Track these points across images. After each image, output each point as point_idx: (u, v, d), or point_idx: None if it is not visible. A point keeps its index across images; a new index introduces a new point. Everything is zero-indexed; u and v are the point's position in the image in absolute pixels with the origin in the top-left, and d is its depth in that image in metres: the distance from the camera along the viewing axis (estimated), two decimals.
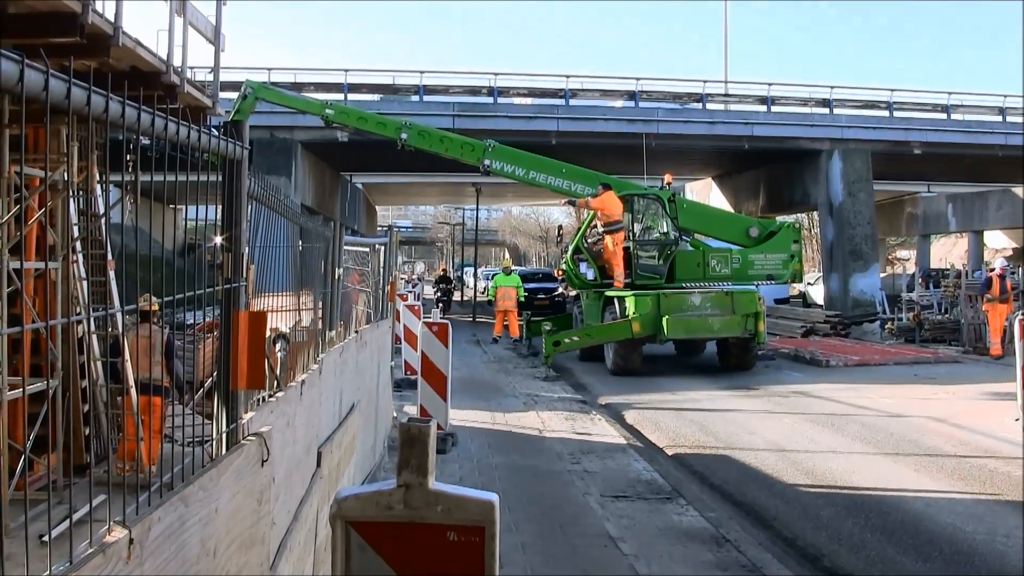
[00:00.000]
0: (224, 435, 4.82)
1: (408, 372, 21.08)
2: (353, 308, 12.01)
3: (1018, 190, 66.97)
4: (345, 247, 10.88)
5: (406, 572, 3.25)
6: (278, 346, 7.34)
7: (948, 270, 57.55)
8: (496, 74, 45.27)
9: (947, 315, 36.67)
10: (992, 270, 32.90)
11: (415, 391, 15.59)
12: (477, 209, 65.63)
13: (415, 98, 44.04)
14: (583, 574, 9.06)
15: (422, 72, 44.48)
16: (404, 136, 28.71)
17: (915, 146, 48.74)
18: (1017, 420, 17.00)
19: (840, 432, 17.55)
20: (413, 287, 47.04)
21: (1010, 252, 77.47)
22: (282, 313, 7.32)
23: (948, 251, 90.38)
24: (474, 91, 45.74)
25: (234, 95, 28.41)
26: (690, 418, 19.30)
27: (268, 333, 5.64)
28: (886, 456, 15.32)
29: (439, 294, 46.22)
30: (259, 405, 5.51)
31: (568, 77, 46.05)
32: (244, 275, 4.99)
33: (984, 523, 11.24)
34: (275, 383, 6.44)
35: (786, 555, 10.24)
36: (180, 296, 4.27)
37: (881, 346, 34.33)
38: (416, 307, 23.49)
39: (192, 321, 6.39)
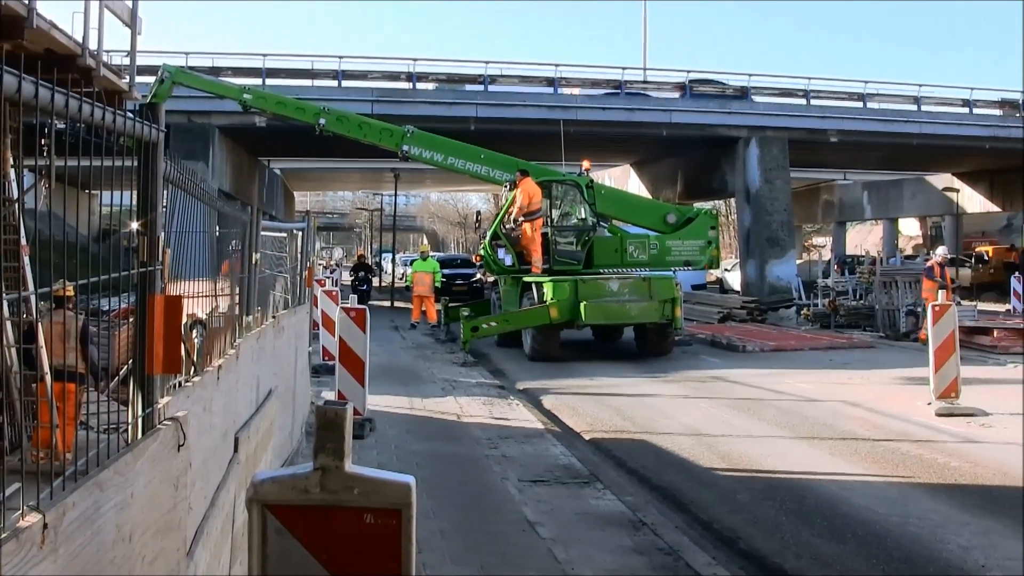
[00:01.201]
0: (140, 420, 4.78)
1: (326, 358, 21.02)
2: (270, 293, 11.95)
3: (931, 179, 67.81)
4: (263, 232, 10.81)
5: (323, 556, 3.25)
6: (195, 332, 7.30)
7: (863, 257, 58.25)
8: (415, 60, 45.20)
9: (862, 301, 37.06)
10: (928, 258, 33.34)
11: (333, 377, 15.56)
12: (395, 195, 65.48)
13: (334, 83, 43.82)
14: (502, 559, 9.07)
15: (341, 57, 44.29)
16: (322, 121, 28.62)
17: (831, 134, 49.21)
18: (929, 404, 17.32)
19: (756, 417, 17.71)
20: (331, 273, 46.89)
21: (919, 240, 78.47)
22: (199, 299, 7.27)
23: (864, 238, 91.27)
24: (393, 77, 45.61)
25: (151, 79, 28.13)
26: (608, 403, 19.39)
27: (185, 319, 5.60)
28: (802, 440, 15.48)
29: (357, 283, 44.78)
30: (175, 390, 5.48)
31: (487, 63, 46.03)
32: (160, 259, 4.95)
33: (897, 505, 11.38)
34: (192, 369, 6.40)
35: (703, 538, 10.30)
36: (95, 280, 4.24)
37: (797, 332, 34.66)
38: (334, 293, 23.43)
39: (108, 307, 6.33)
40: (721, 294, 52.84)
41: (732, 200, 58.22)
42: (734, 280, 55.89)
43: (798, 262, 56.71)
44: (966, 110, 53.16)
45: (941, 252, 32.14)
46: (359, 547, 3.20)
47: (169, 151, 5.18)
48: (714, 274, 57.46)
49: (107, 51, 10.93)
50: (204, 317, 7.56)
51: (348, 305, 16.01)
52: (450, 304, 33.69)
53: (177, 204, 5.99)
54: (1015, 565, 9.22)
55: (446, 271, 44.87)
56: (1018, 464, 13.44)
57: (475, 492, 11.64)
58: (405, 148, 29.00)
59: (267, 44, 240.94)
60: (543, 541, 9.57)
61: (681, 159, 53.50)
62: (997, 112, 54.82)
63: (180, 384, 5.69)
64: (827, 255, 75.60)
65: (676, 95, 48.58)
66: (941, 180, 65.49)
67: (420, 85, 45.02)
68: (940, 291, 20.30)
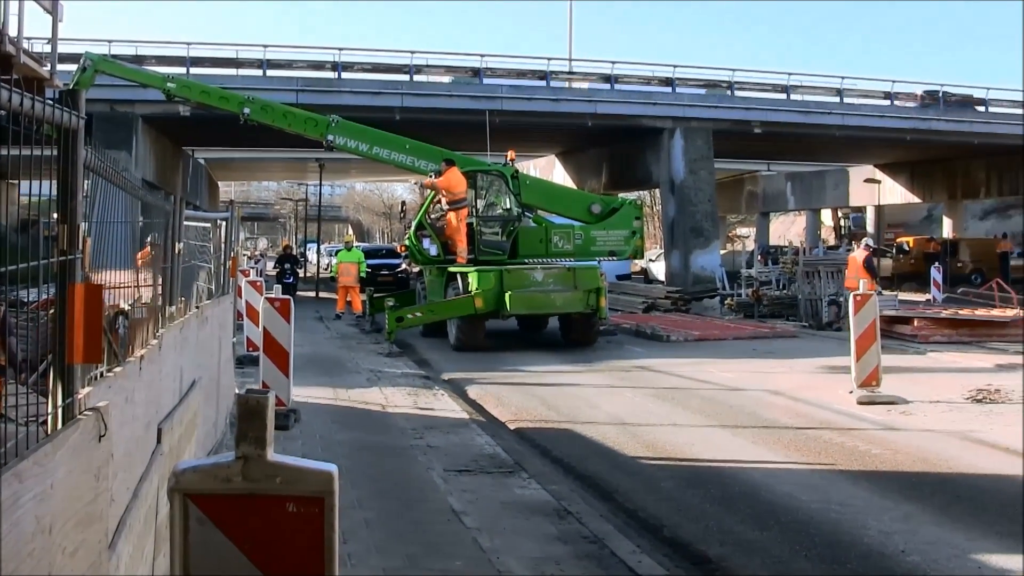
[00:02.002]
0: (60, 410, 4.74)
1: (250, 348, 20.91)
2: (194, 284, 11.86)
3: (854, 170, 68.47)
4: (186, 222, 10.73)
5: (246, 545, 3.24)
6: (118, 322, 7.23)
7: (787, 247, 58.78)
8: (340, 49, 45.01)
9: (785, 291, 37.36)
10: (850, 249, 33.63)
11: (258, 368, 15.48)
12: (320, 185, 65.16)
13: (258, 72, 43.56)
14: (427, 548, 9.07)
15: (266, 47, 44.07)
16: (247, 111, 28.45)
17: (755, 125, 49.59)
18: (851, 392, 17.50)
19: (681, 406, 17.81)
20: (256, 263, 46.64)
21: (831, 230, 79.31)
22: (122, 290, 7.20)
23: (787, 229, 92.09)
24: (318, 66, 45.44)
25: (73, 67, 27.86)
26: (533, 393, 19.43)
27: (107, 310, 5.55)
28: (725, 428, 15.58)
29: (282, 275, 43.57)
30: (97, 381, 5.43)
31: (413, 53, 46.07)
32: (80, 248, 4.90)
33: (819, 492, 11.49)
34: (114, 359, 6.35)
35: (628, 527, 10.35)
36: (13, 268, 4.19)
37: (721, 321, 34.89)
38: (258, 283, 23.32)
39: (28, 299, 6.27)
40: (646, 284, 53.05)
41: (657, 191, 58.37)
42: (659, 270, 56.18)
43: (722, 252, 57.17)
44: (887, 102, 53.74)
45: (868, 242, 32.44)
46: (282, 536, 3.20)
47: (91, 140, 5.13)
48: (639, 264, 57.70)
49: (28, 38, 10.82)
50: (127, 307, 7.50)
51: (272, 295, 15.92)
52: (375, 294, 33.57)
53: (99, 193, 5.93)
54: (934, 549, 9.35)
55: (371, 261, 44.80)
56: (936, 450, 13.64)
57: (400, 482, 11.63)
58: (330, 138, 28.90)
59: (191, 33, 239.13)
60: (468, 530, 9.58)
61: (606, 149, 53.69)
62: (918, 104, 55.47)
63: (102, 374, 5.64)
64: (751, 245, 76.38)
65: (602, 86, 48.70)
66: (863, 171, 66.18)
67: (345, 75, 44.85)
68: (861, 281, 20.48)
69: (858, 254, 30.33)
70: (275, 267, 43.80)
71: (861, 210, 79.63)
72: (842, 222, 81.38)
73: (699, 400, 18.35)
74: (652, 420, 16.43)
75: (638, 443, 14.49)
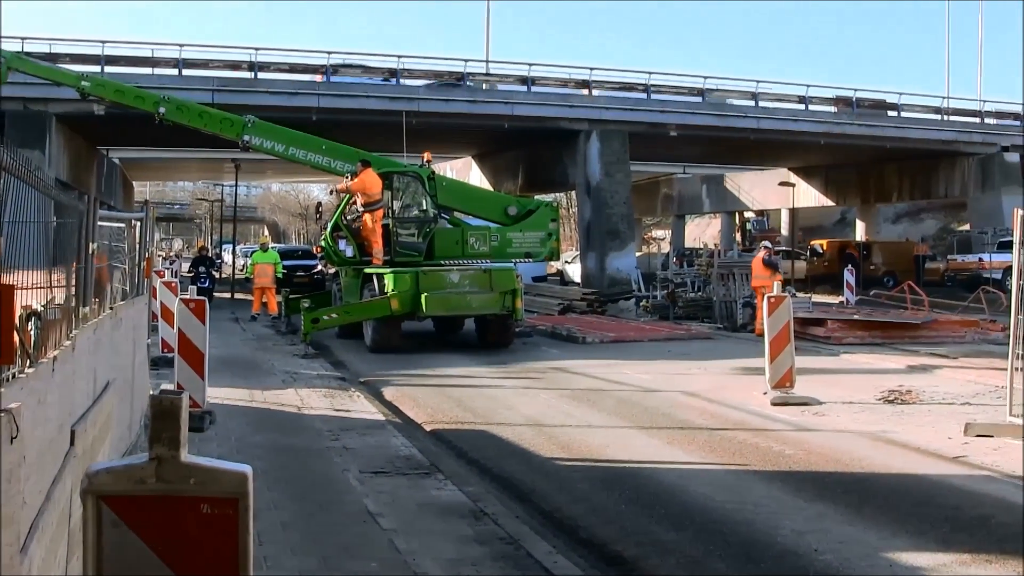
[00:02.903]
0: None
1: (165, 350, 20.74)
2: (108, 284, 11.75)
3: (769, 173, 69.11)
4: (100, 223, 10.64)
5: (160, 547, 3.23)
6: (30, 324, 7.16)
7: (702, 250, 59.23)
8: (257, 49, 44.75)
9: (700, 293, 37.63)
10: (753, 250, 33.91)
11: (173, 369, 15.37)
12: (236, 185, 64.72)
13: (174, 72, 43.19)
14: (343, 550, 9.06)
15: (182, 46, 43.63)
16: (162, 110, 28.24)
17: (671, 128, 49.89)
18: (765, 394, 17.67)
19: (596, 407, 17.88)
20: (171, 264, 46.23)
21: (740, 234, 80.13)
22: (35, 290, 7.13)
23: (702, 231, 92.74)
24: (234, 66, 45.09)
25: None
26: (449, 394, 19.44)
27: (20, 310, 5.50)
28: (641, 430, 15.66)
29: (197, 278, 41.88)
30: (8, 382, 5.38)
31: (330, 54, 45.88)
32: None
33: (734, 492, 11.59)
34: (26, 360, 6.29)
35: (544, 527, 10.38)
36: None
37: (636, 323, 35.05)
38: (173, 284, 23.14)
39: None
40: (562, 286, 53.14)
41: (573, 193, 58.62)
42: (575, 272, 56.31)
43: (638, 254, 57.54)
44: (802, 106, 54.28)
45: (766, 243, 32.73)
46: (196, 537, 3.19)
47: (4, 138, 5.08)
48: (555, 266, 57.88)
49: None
50: (40, 308, 7.43)
51: (187, 296, 15.81)
52: (291, 296, 33.39)
53: (11, 193, 5.87)
54: (847, 548, 9.45)
55: (287, 262, 44.59)
56: (849, 450, 13.81)
57: (316, 484, 11.60)
58: (246, 138, 28.75)
59: (107, 31, 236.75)
60: (384, 532, 9.58)
61: (523, 151, 53.77)
62: (832, 109, 56.11)
63: (14, 376, 5.59)
64: (666, 248, 76.85)
65: (519, 88, 48.78)
66: (778, 175, 66.76)
67: (262, 75, 44.62)
68: (776, 283, 20.67)
69: (760, 255, 30.57)
70: (190, 270, 43.09)
71: (763, 214, 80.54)
72: (747, 225, 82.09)
73: (614, 401, 18.44)
74: (568, 421, 16.48)
75: (554, 444, 14.53)
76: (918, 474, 12.54)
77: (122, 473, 3.21)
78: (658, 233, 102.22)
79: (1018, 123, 60.38)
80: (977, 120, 59.54)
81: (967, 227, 62.95)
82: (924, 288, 37.63)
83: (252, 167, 65.28)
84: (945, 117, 58.84)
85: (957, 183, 58.90)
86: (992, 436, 14.39)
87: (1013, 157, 56.50)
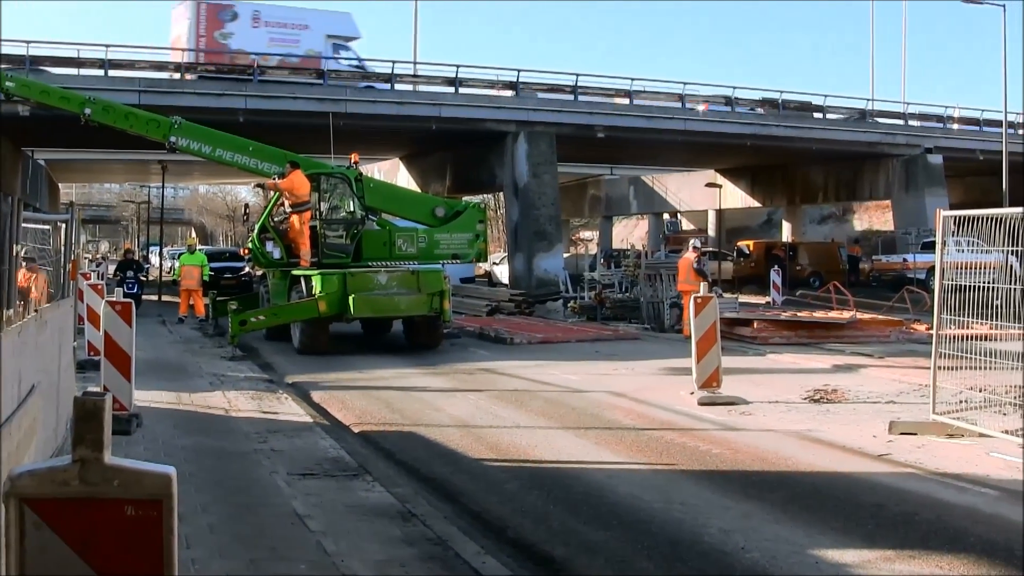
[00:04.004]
0: None
1: (92, 353, 20.56)
2: (31, 287, 11.64)
3: (696, 174, 69.54)
4: (24, 224, 10.53)
5: (84, 549, 3.20)
6: None
7: (629, 251, 59.45)
8: (184, 50, 44.42)
9: (628, 294, 37.75)
10: (682, 252, 34.09)
11: (99, 372, 15.24)
12: (163, 187, 64.22)
13: (100, 72, 42.77)
14: (271, 553, 9.02)
15: (108, 46, 43.18)
16: (88, 111, 27.97)
17: (598, 130, 50.07)
18: (692, 394, 17.77)
19: (524, 408, 17.92)
20: (97, 266, 45.84)
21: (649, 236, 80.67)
22: None
23: (630, 232, 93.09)
24: (161, 67, 44.82)
25: None
26: (377, 396, 19.40)
27: None
28: (568, 430, 15.70)
29: (124, 283, 40.45)
30: None
31: (257, 55, 45.55)
32: None
33: (661, 492, 11.64)
34: None
35: (472, 528, 10.38)
36: None
37: (564, 324, 35.15)
38: (99, 286, 22.95)
39: None
40: (490, 287, 53.19)
41: (501, 194, 58.71)
42: (503, 273, 56.38)
43: (565, 255, 57.60)
44: (728, 108, 54.62)
45: (695, 243, 32.90)
46: (120, 540, 3.17)
47: None
48: (483, 267, 57.93)
49: None
50: None
51: (114, 299, 15.68)
52: (218, 298, 33.20)
53: None
54: (773, 546, 9.52)
55: (214, 264, 44.25)
56: (775, 449, 13.94)
57: (244, 486, 11.55)
58: (173, 139, 28.55)
59: (31, 31, 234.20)
60: (312, 534, 9.54)
61: (451, 153, 53.78)
62: (759, 111, 56.50)
63: None
64: (594, 249, 77.03)
65: (447, 90, 48.77)
66: (705, 176, 67.15)
67: (189, 76, 44.34)
68: (702, 285, 20.81)
69: (688, 256, 30.70)
70: (116, 273, 42.45)
71: (675, 216, 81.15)
72: (667, 228, 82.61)
73: (542, 402, 18.48)
74: (496, 422, 16.49)
75: (482, 445, 14.55)
76: (843, 472, 12.67)
77: (45, 476, 3.19)
78: (586, 234, 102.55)
79: (940, 125, 61.22)
80: (901, 122, 60.21)
81: (891, 228, 63.60)
82: (850, 288, 38.03)
83: (179, 169, 64.88)
84: (870, 119, 59.44)
85: (882, 184, 59.48)
86: (916, 434, 14.58)
87: (936, 159, 57.22)
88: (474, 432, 15.55)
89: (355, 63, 50.57)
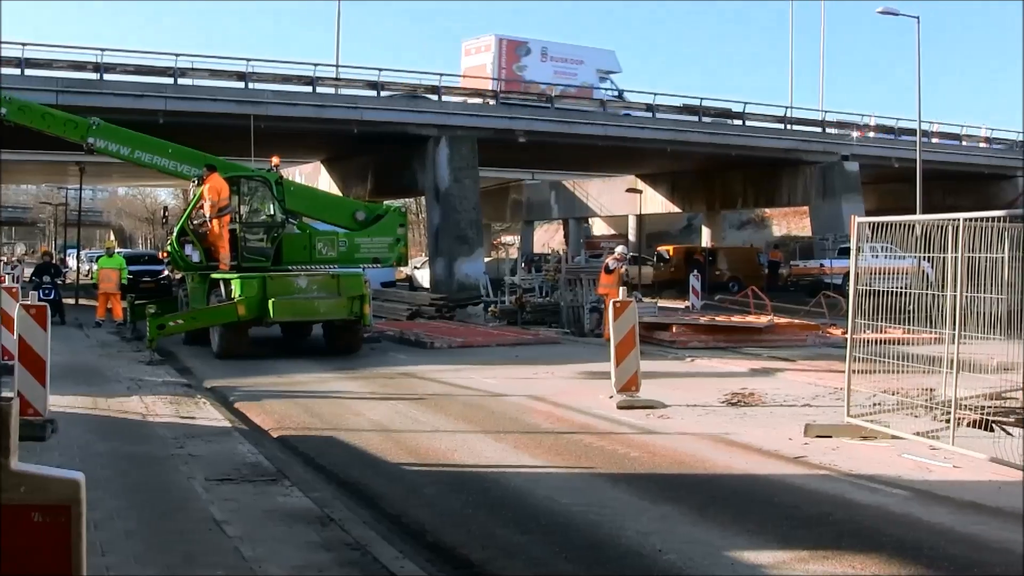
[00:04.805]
0: None
1: (6, 357, 20.31)
2: None
3: (617, 180, 69.93)
4: None
5: None
6: None
7: (550, 255, 59.68)
8: (103, 50, 44.08)
9: (548, 298, 37.86)
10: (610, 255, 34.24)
11: (12, 377, 15.08)
12: (81, 189, 63.49)
13: (16, 71, 42.27)
14: (188, 559, 8.97)
15: (24, 45, 42.79)
16: (3, 111, 27.70)
17: (519, 134, 50.29)
18: (611, 397, 17.86)
19: (444, 412, 17.91)
20: (12, 269, 45.31)
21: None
22: None
23: (551, 237, 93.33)
24: (79, 66, 44.32)
25: None
26: (296, 401, 19.33)
27: None
28: (488, 434, 15.72)
29: (40, 289, 39.28)
30: None
31: (177, 56, 45.36)
32: None
33: (580, 495, 11.69)
34: None
35: (391, 532, 10.37)
36: None
37: (485, 328, 35.18)
38: (14, 290, 22.70)
39: None
40: (411, 291, 53.05)
41: (422, 198, 58.77)
42: (424, 277, 56.37)
43: (487, 260, 57.76)
44: (650, 114, 55.00)
45: (620, 251, 33.02)
46: (28, 546, 3.14)
47: None
48: (404, 271, 57.93)
49: None
50: None
51: (28, 302, 15.51)
52: (136, 301, 32.92)
53: None
54: (690, 548, 9.59)
55: (133, 267, 43.97)
56: (693, 452, 14.06)
57: (161, 492, 11.46)
58: (91, 140, 28.32)
59: None
60: (230, 539, 9.49)
61: (372, 157, 53.75)
62: (678, 117, 56.93)
63: None
64: (515, 253, 77.22)
65: (369, 93, 48.73)
66: (626, 181, 67.52)
67: (108, 76, 43.96)
68: (621, 289, 20.95)
69: (609, 262, 30.83)
70: (32, 277, 41.73)
71: (586, 221, 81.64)
72: (582, 234, 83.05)
73: (462, 406, 18.50)
74: (415, 426, 16.49)
75: (401, 449, 14.53)
76: (760, 474, 12.79)
77: None
78: (507, 239, 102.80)
79: (857, 133, 62.05)
80: (819, 130, 60.91)
81: (809, 233, 64.27)
82: (768, 293, 38.36)
83: (97, 170, 64.24)
84: (788, 126, 60.06)
85: (800, 191, 60.21)
86: (831, 436, 14.77)
87: (853, 166, 58.05)
88: (393, 436, 15.53)
89: (615, 92, 60.77)
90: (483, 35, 62.32)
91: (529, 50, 60.98)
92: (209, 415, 16.98)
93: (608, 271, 30.05)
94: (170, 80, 44.62)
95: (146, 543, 9.36)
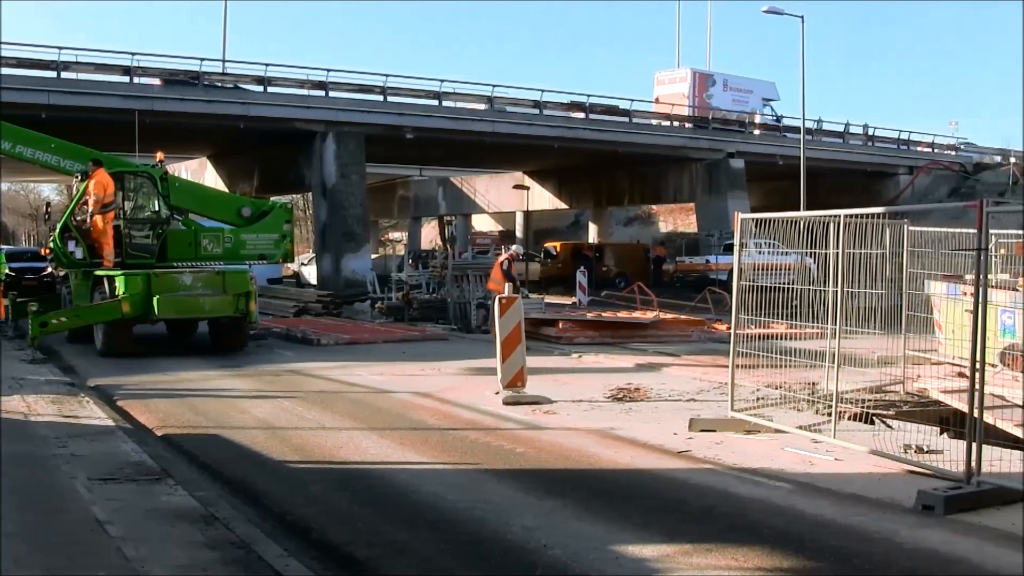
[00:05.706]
0: None
1: None
2: None
3: (505, 176, 70.14)
4: None
5: None
6: None
7: (437, 251, 59.74)
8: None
9: (435, 295, 37.94)
10: (499, 253, 34.36)
11: None
12: None
13: None
14: (70, 560, 8.89)
15: None
16: None
17: (407, 131, 50.31)
18: (497, 393, 17.97)
19: (330, 409, 17.90)
20: None
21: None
22: None
23: (438, 233, 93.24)
24: None
25: None
26: (181, 399, 19.18)
27: None
28: (373, 431, 15.74)
29: None
30: None
31: (61, 49, 44.59)
32: None
33: (465, 491, 11.75)
34: None
35: (276, 530, 10.36)
36: None
37: (372, 325, 35.21)
38: None
39: None
40: (297, 288, 52.84)
41: (310, 194, 58.53)
42: (311, 274, 56.20)
43: (374, 256, 57.72)
44: (536, 111, 55.17)
45: (516, 249, 33.15)
46: None
47: None
48: (291, 268, 57.72)
49: None
50: None
51: None
52: (18, 299, 32.41)
53: None
54: (575, 542, 9.67)
55: (14, 264, 43.19)
56: (578, 447, 14.18)
57: (42, 492, 11.33)
58: None
59: None
60: (112, 540, 9.42)
61: (259, 152, 53.49)
62: (566, 114, 57.21)
63: None
64: (402, 249, 77.19)
65: (256, 88, 48.43)
66: (513, 178, 67.75)
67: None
68: (507, 284, 21.07)
69: (501, 259, 30.95)
70: None
71: (454, 217, 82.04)
72: (448, 228, 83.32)
73: (348, 403, 18.51)
74: (301, 424, 16.46)
75: (287, 447, 14.50)
76: (645, 469, 12.96)
77: None
78: (395, 235, 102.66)
79: (743, 131, 62.85)
80: (705, 128, 61.48)
81: (696, 230, 64.89)
82: (655, 289, 38.71)
83: None
84: (675, 124, 60.61)
85: (686, 187, 60.82)
86: (715, 431, 14.97)
87: (738, 163, 58.78)
88: (279, 434, 15.50)
89: (774, 118, 71.16)
90: (675, 68, 74.30)
91: (715, 81, 72.18)
92: (93, 414, 16.80)
93: (504, 270, 30.09)
94: (53, 74, 43.96)
95: (27, 545, 9.25)
